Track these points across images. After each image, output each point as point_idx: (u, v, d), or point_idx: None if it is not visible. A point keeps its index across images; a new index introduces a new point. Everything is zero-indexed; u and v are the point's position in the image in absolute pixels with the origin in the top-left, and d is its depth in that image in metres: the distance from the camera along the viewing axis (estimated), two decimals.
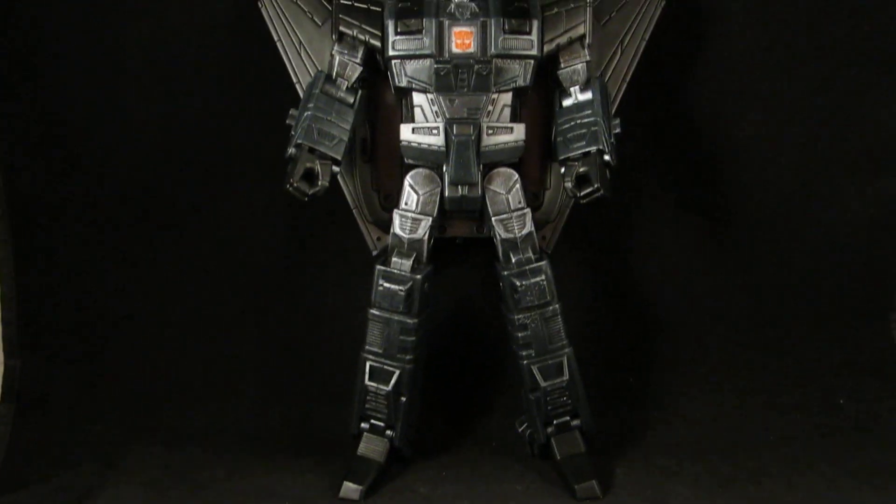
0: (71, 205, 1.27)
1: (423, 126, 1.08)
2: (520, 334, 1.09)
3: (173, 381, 1.29)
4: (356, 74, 1.10)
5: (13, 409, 1.26)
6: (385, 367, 1.10)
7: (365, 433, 1.12)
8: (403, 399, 1.10)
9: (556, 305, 1.09)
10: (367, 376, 1.10)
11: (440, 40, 1.07)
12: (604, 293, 1.31)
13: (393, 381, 1.09)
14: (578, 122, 1.07)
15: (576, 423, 1.11)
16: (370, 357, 1.10)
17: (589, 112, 1.07)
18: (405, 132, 1.09)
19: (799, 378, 1.30)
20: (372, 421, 1.11)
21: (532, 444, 1.15)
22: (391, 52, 1.08)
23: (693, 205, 1.29)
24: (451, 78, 1.07)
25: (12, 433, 1.22)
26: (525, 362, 1.10)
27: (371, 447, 1.12)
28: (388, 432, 1.11)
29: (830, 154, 1.28)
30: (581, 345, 1.12)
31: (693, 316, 1.31)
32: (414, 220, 1.10)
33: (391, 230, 1.10)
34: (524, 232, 1.10)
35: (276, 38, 1.14)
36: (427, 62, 1.07)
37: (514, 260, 1.09)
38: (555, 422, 1.11)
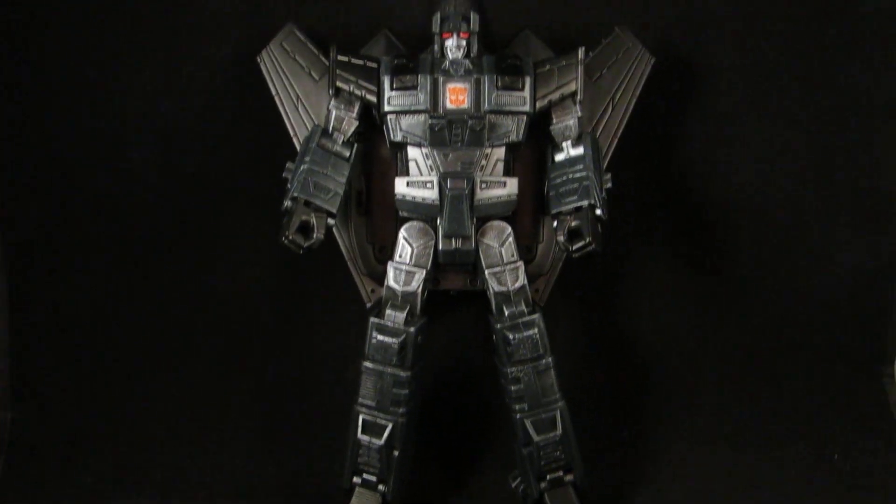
0: (66, 255, 1.28)
1: (417, 180, 1.10)
2: (513, 387, 1.09)
3: (165, 431, 1.28)
4: (352, 129, 1.12)
5: (2, 460, 1.25)
6: (378, 420, 1.09)
7: (357, 488, 1.11)
8: (396, 453, 1.10)
9: (549, 359, 1.09)
10: (359, 429, 1.10)
11: (435, 96, 1.09)
12: (596, 346, 1.31)
13: (386, 435, 1.09)
14: (570, 176, 1.09)
15: (569, 478, 1.11)
16: (363, 410, 1.10)
17: (581, 167, 1.09)
18: (400, 185, 1.10)
19: (792, 432, 1.29)
20: (364, 475, 1.11)
21: (525, 498, 1.14)
22: (387, 108, 1.09)
23: (685, 258, 1.30)
24: (446, 133, 1.09)
25: (1, 484, 1.21)
26: (518, 416, 1.10)
27: (363, 502, 1.11)
28: (381, 487, 1.10)
29: (821, 207, 1.29)
30: (574, 398, 1.12)
31: (686, 369, 1.31)
32: (408, 272, 1.11)
33: (385, 282, 1.11)
34: (517, 285, 1.10)
35: (274, 93, 1.16)
36: (422, 117, 1.09)
37: (507, 313, 1.09)
38: (548, 476, 1.11)
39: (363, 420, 1.09)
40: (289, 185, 1.08)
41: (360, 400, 1.09)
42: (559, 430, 1.09)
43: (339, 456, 1.12)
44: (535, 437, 1.09)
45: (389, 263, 1.11)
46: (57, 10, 1.23)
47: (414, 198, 1.10)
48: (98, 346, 1.29)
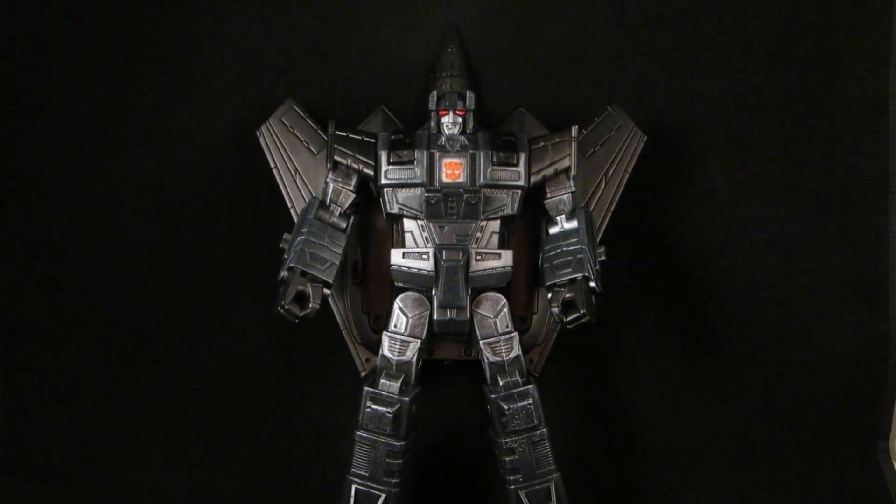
0: (62, 324, 1.28)
1: (413, 251, 1.11)
2: (507, 458, 1.09)
3: (156, 502, 1.27)
4: (349, 201, 1.13)
5: None
6: (371, 490, 1.09)
7: None
8: None
9: (544, 430, 1.09)
10: (352, 500, 1.09)
11: (431, 170, 1.11)
12: (591, 418, 1.31)
13: None
14: (565, 249, 1.10)
15: None
16: (356, 480, 1.09)
17: (575, 240, 1.11)
18: (396, 257, 1.12)
19: None
20: None
21: None
22: (384, 181, 1.11)
23: (678, 331, 1.31)
24: (441, 206, 1.10)
25: None
26: (512, 487, 1.09)
27: None
28: None
29: (812, 284, 1.30)
30: (569, 470, 1.11)
31: (680, 442, 1.31)
32: (403, 342, 1.11)
33: (380, 352, 1.12)
34: (512, 355, 1.11)
35: (272, 165, 1.18)
36: (418, 191, 1.11)
37: (501, 383, 1.10)
38: None
39: (356, 490, 1.09)
40: (285, 256, 1.09)
41: (353, 470, 1.09)
42: (554, 502, 1.09)
43: None
44: None
45: (385, 333, 1.12)
46: (56, 82, 1.25)
47: (410, 268, 1.11)
48: (88, 416, 1.28)
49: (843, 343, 1.30)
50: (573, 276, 1.08)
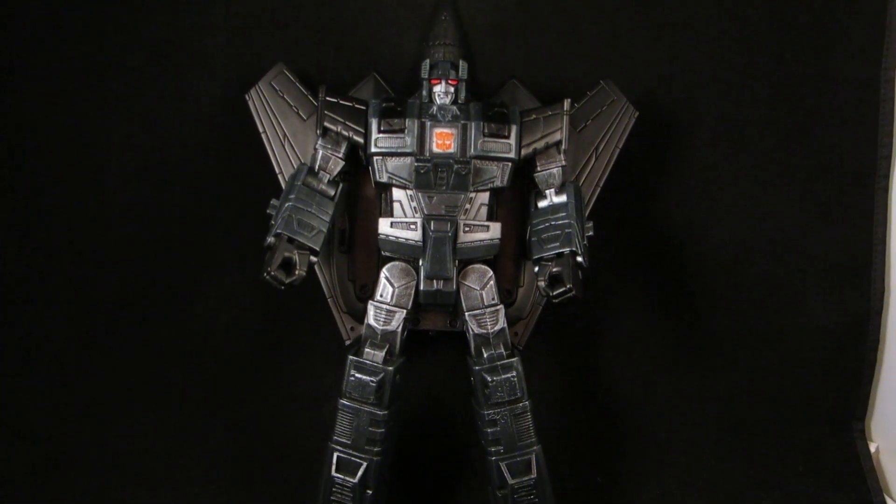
0: (47, 288, 1.27)
1: (401, 221, 1.11)
2: (489, 430, 1.09)
3: (139, 466, 1.27)
4: (338, 168, 1.13)
5: None
6: (352, 458, 1.09)
7: None
8: (370, 492, 1.09)
9: (526, 402, 1.10)
10: (333, 467, 1.09)
11: (421, 140, 1.10)
12: (573, 391, 1.32)
13: (360, 474, 1.09)
14: (553, 223, 1.10)
15: None
16: (338, 448, 1.09)
17: (563, 214, 1.11)
18: (383, 226, 1.11)
19: (763, 484, 1.30)
20: None
21: None
22: (373, 149, 1.11)
23: (663, 308, 1.32)
24: (431, 176, 1.10)
25: None
26: (493, 458, 1.10)
27: None
28: None
29: (795, 265, 1.31)
30: (550, 442, 1.12)
31: (661, 418, 1.32)
32: (388, 311, 1.11)
33: (365, 321, 1.11)
34: (497, 328, 1.11)
35: (261, 130, 1.17)
36: (408, 160, 1.10)
37: (485, 355, 1.10)
38: None
39: (337, 458, 1.09)
40: (272, 222, 1.08)
41: (335, 438, 1.09)
42: (534, 474, 1.10)
43: (313, 494, 1.11)
44: (511, 481, 1.09)
45: (370, 302, 1.12)
46: (41, 43, 1.23)
47: (397, 238, 1.11)
48: (73, 379, 1.28)
49: (824, 323, 1.32)
50: (560, 251, 1.08)
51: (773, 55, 1.27)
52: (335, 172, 1.12)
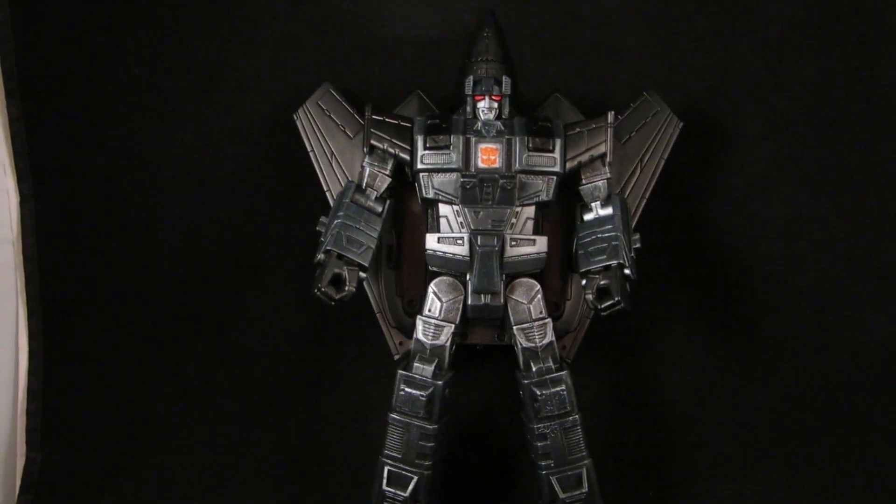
0: (101, 302, 1.30)
1: (448, 236, 1.11)
2: (539, 444, 1.10)
3: (191, 480, 1.29)
4: (385, 185, 1.14)
5: (30, 501, 1.26)
6: (403, 472, 1.10)
7: None
8: None
9: (576, 416, 1.10)
10: (384, 481, 1.10)
11: (467, 156, 1.11)
12: (623, 405, 1.31)
13: (410, 488, 1.09)
14: (599, 236, 1.10)
15: None
16: (388, 462, 1.10)
17: (610, 227, 1.10)
18: (431, 241, 1.12)
19: (819, 497, 1.28)
20: None
21: None
22: (419, 166, 1.12)
23: (713, 318, 1.30)
24: (477, 191, 1.11)
25: None
26: (544, 472, 1.10)
27: None
28: None
29: (848, 273, 1.29)
30: (600, 456, 1.12)
31: (713, 430, 1.31)
32: (437, 326, 1.12)
33: (414, 335, 1.12)
34: (545, 341, 1.11)
35: (309, 149, 1.19)
36: (454, 176, 1.11)
37: (534, 369, 1.10)
38: None
39: (388, 472, 1.10)
40: (322, 239, 1.10)
41: (386, 452, 1.10)
42: (585, 488, 1.09)
43: None
44: (561, 495, 1.09)
45: (419, 317, 1.13)
46: (96, 64, 1.26)
47: (445, 253, 1.12)
48: (127, 394, 1.30)
49: (878, 333, 1.29)
50: (608, 263, 1.08)
51: (819, 59, 1.26)
52: (382, 189, 1.14)
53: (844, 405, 1.31)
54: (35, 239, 1.28)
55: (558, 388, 1.09)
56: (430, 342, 1.12)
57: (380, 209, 1.13)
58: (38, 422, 1.29)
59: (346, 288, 1.08)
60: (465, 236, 1.11)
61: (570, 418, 1.09)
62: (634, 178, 1.18)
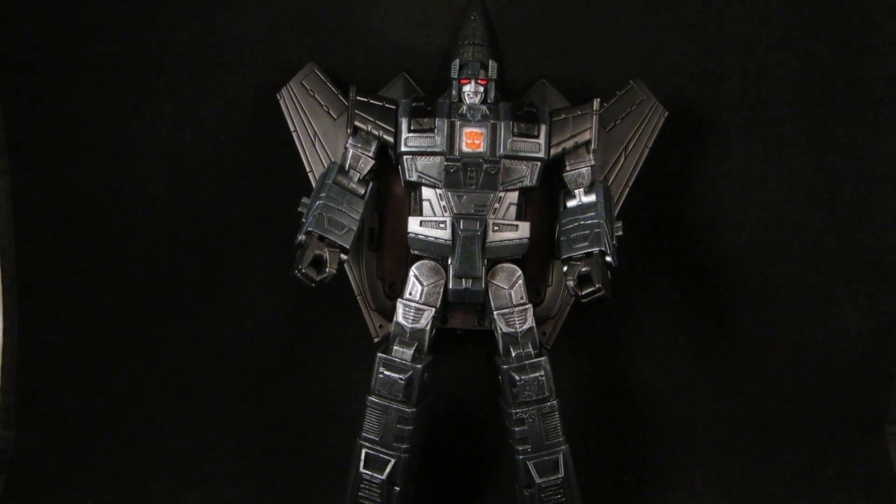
0: (77, 279, 1.29)
1: (430, 220, 1.11)
2: (517, 429, 1.10)
3: (168, 460, 1.29)
4: (368, 167, 1.13)
5: (3, 480, 1.25)
6: (380, 455, 1.10)
7: None
8: (397, 488, 1.10)
9: (554, 401, 1.10)
10: (361, 464, 1.10)
11: (451, 139, 1.11)
12: (601, 391, 1.32)
13: (388, 470, 1.10)
14: (582, 223, 1.10)
15: None
16: (366, 444, 1.10)
17: (592, 214, 1.11)
18: (413, 224, 1.12)
19: (792, 487, 1.29)
20: None
21: None
22: (403, 148, 1.11)
23: (692, 308, 1.31)
24: (460, 175, 1.10)
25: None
26: (521, 457, 1.10)
27: None
28: None
29: (828, 265, 1.30)
30: (577, 442, 1.12)
31: (688, 419, 1.32)
32: (417, 309, 1.12)
33: (394, 319, 1.12)
34: (525, 327, 1.11)
35: (292, 129, 1.18)
36: (438, 159, 1.11)
37: (514, 354, 1.10)
38: None
39: (366, 454, 1.10)
40: (304, 220, 1.09)
41: (364, 434, 1.10)
42: (561, 473, 1.10)
43: (341, 489, 1.12)
44: (538, 480, 1.10)
45: (399, 300, 1.12)
46: (77, 42, 1.25)
47: (427, 237, 1.11)
48: (103, 372, 1.30)
49: (856, 325, 1.31)
50: (590, 250, 1.08)
51: (804, 52, 1.26)
52: (365, 171, 1.13)
53: (818, 396, 1.32)
54: (10, 215, 1.26)
55: (537, 374, 1.09)
56: (410, 325, 1.11)
57: (362, 191, 1.13)
58: (11, 400, 1.28)
59: (327, 270, 1.07)
60: (448, 220, 1.10)
61: (548, 404, 1.10)
62: (618, 166, 1.18)
